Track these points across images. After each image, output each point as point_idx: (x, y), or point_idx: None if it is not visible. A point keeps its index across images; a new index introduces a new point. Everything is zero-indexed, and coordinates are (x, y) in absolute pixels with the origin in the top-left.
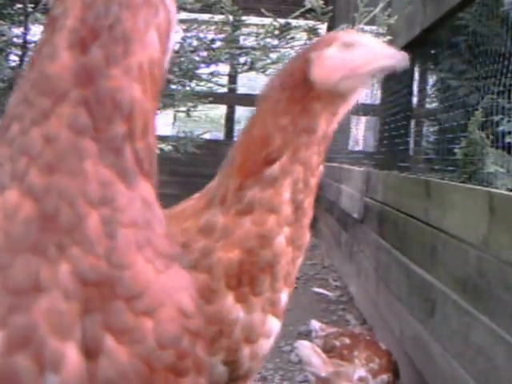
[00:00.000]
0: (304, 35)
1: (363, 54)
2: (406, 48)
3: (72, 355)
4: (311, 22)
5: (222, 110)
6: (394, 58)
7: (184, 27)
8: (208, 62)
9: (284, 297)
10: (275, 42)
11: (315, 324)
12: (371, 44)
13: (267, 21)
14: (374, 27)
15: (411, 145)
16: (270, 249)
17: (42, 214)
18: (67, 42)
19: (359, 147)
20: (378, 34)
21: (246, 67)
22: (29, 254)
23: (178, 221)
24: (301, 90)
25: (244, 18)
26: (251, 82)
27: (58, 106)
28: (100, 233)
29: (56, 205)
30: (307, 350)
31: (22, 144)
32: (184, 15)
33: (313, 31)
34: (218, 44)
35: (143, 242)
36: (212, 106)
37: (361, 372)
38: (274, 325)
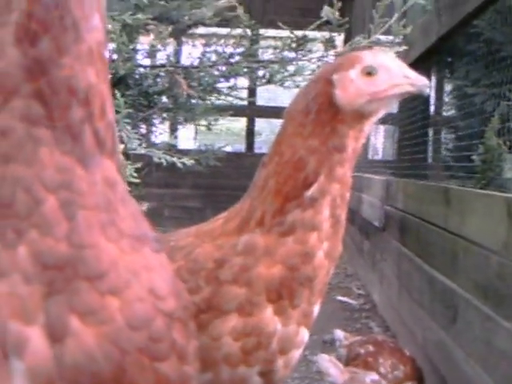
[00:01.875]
0: (321, 47)
1: (386, 79)
2: (422, 56)
3: (36, 339)
4: (328, 34)
5: (242, 122)
6: (415, 83)
7: (203, 42)
8: (227, 76)
9: (317, 308)
10: (293, 54)
11: (339, 333)
12: (394, 68)
13: (284, 34)
14: (390, 37)
15: (430, 152)
16: (311, 264)
17: None
18: (14, 37)
19: (378, 156)
20: (394, 44)
21: (264, 80)
22: None
23: (210, 238)
24: (327, 114)
25: (261, 31)
26: (270, 94)
27: (8, 101)
28: (58, 215)
29: (12, 192)
30: (326, 362)
31: None
32: (203, 30)
33: (329, 43)
34: (236, 58)
35: (106, 222)
36: (232, 119)
37: (373, 376)
38: (305, 335)
